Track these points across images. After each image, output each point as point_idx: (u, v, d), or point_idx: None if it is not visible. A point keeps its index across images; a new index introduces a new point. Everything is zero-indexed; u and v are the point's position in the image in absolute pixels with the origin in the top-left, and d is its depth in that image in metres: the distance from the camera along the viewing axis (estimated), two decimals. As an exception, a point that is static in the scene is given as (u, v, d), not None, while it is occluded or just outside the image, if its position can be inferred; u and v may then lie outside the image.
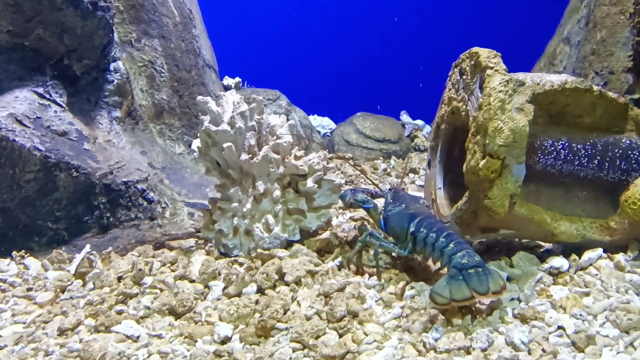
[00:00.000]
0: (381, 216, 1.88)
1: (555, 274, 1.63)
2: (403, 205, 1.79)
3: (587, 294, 1.49)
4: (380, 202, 2.01)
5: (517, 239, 1.94)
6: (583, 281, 1.56)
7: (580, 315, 1.38)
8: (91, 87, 2.44)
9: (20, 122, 1.97)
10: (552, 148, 1.70)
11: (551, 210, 1.70)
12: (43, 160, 1.96)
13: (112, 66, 2.52)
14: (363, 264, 1.77)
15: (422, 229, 1.62)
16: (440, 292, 1.40)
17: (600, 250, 1.66)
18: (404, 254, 1.69)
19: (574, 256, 1.68)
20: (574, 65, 3.18)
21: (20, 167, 1.94)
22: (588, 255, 1.66)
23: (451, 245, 1.50)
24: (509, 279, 1.62)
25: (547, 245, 1.94)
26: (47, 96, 2.16)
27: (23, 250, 1.97)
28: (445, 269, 1.50)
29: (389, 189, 1.96)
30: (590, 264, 1.65)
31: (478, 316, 1.41)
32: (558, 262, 1.64)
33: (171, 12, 3.08)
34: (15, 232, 2.02)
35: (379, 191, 2.00)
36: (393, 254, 1.80)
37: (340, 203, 2.06)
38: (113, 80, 2.52)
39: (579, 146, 1.72)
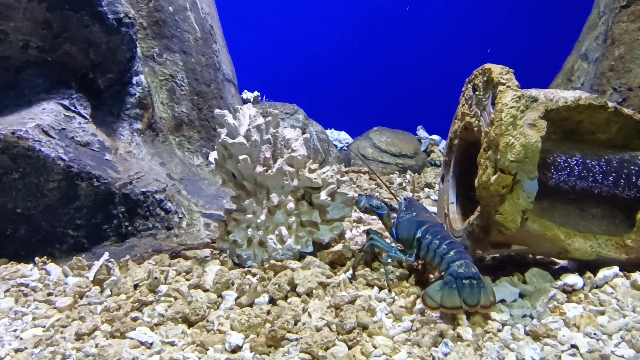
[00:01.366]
0: (393, 224, 1.92)
1: (569, 291, 1.61)
2: (414, 213, 1.85)
3: (602, 313, 1.47)
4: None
5: (530, 255, 1.93)
6: (598, 299, 1.54)
7: (595, 334, 1.36)
8: (114, 100, 2.52)
9: (46, 133, 2.05)
10: (566, 164, 1.69)
11: (565, 226, 1.69)
12: (66, 169, 2.03)
13: (134, 80, 2.60)
14: (375, 278, 1.78)
15: (427, 236, 1.67)
16: (432, 296, 1.46)
17: (616, 269, 1.64)
18: (411, 261, 1.74)
19: (588, 274, 1.66)
20: (591, 81, 3.16)
21: (44, 176, 2.01)
22: (603, 273, 1.64)
23: (451, 252, 1.54)
24: (521, 296, 1.61)
25: (562, 263, 1.93)
26: (72, 108, 2.24)
27: (45, 257, 2.03)
28: (443, 275, 1.53)
29: (404, 199, 2.01)
30: (606, 282, 1.63)
31: (489, 332, 1.41)
32: (572, 279, 1.62)
33: (192, 28, 3.17)
34: (39, 239, 2.08)
35: (396, 203, 2.05)
36: (401, 261, 1.84)
37: (354, 215, 2.09)
38: (135, 94, 2.60)
39: (593, 163, 1.71)
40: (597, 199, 1.74)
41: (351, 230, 2.46)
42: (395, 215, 1.96)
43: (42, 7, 2.12)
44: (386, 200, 2.68)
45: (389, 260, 1.74)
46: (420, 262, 1.80)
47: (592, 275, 1.64)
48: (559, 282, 1.62)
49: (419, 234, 1.71)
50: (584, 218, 1.76)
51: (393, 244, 1.90)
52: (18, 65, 2.19)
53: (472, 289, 1.43)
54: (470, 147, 1.90)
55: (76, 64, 2.31)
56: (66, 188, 2.07)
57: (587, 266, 1.72)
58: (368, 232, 1.95)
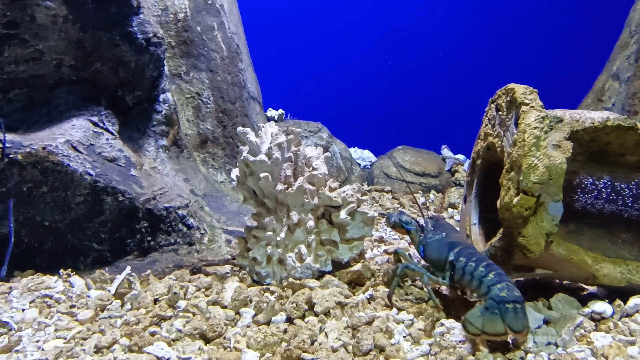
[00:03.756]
0: (421, 243, 1.88)
1: (598, 319, 1.54)
2: (443, 233, 1.79)
3: (632, 344, 1.41)
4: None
5: (556, 280, 1.86)
6: (628, 329, 1.47)
7: (624, 365, 1.30)
8: (141, 117, 2.59)
9: (75, 148, 2.11)
10: (593, 187, 1.64)
11: (594, 251, 1.63)
12: (92, 184, 2.09)
13: (161, 97, 2.67)
14: (395, 299, 1.75)
15: (461, 258, 1.60)
16: (472, 322, 1.37)
17: (647, 296, 1.56)
18: (446, 284, 1.66)
19: (618, 301, 1.59)
20: (623, 101, 3.08)
21: (71, 190, 2.07)
22: (634, 301, 1.57)
23: (491, 275, 1.46)
24: (546, 322, 1.55)
25: (591, 289, 1.85)
26: (101, 124, 2.31)
27: (70, 269, 2.07)
28: (482, 299, 1.45)
29: (430, 217, 1.95)
30: (637, 311, 1.55)
31: (511, 359, 1.36)
32: (601, 306, 1.56)
33: (219, 47, 3.24)
34: (64, 252, 2.13)
35: (421, 221, 2.01)
36: (436, 285, 1.77)
37: (375, 236, 2.07)
38: (162, 111, 2.67)
39: (622, 185, 1.65)
40: (627, 223, 1.68)
41: (372, 249, 2.43)
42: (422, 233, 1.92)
43: (76, 27, 2.21)
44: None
45: (427, 281, 1.67)
46: (452, 285, 1.71)
47: (622, 303, 1.57)
48: (587, 309, 1.56)
49: (451, 257, 1.64)
50: (613, 243, 1.69)
51: (421, 264, 1.85)
52: (52, 83, 2.28)
53: (516, 313, 1.33)
54: (493, 168, 1.87)
55: (106, 82, 2.39)
56: (92, 202, 2.12)
57: (617, 293, 1.65)
58: (396, 252, 1.92)
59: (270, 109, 4.49)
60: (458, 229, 2.07)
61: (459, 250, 1.64)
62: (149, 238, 2.27)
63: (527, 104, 1.53)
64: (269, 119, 4.34)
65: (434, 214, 2.00)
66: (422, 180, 4.41)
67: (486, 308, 1.38)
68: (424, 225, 1.90)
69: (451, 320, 1.58)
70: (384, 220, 2.04)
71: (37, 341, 1.59)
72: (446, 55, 6.74)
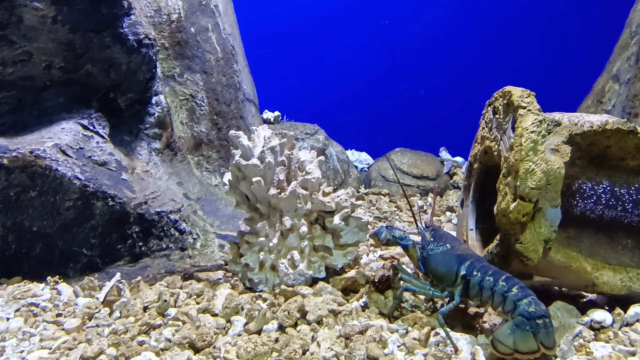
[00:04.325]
0: (421, 256, 1.74)
1: (597, 328, 1.51)
2: (447, 245, 1.66)
3: (633, 354, 1.37)
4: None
5: (555, 287, 1.82)
6: (629, 339, 1.43)
7: (624, 377, 1.26)
8: (133, 120, 2.55)
9: (63, 152, 2.07)
10: (592, 192, 1.60)
11: (593, 257, 1.59)
12: (82, 189, 2.04)
13: (154, 100, 2.62)
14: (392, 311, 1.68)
15: (475, 272, 1.49)
16: (503, 341, 1.31)
17: (648, 305, 1.52)
18: (456, 303, 1.53)
19: (618, 310, 1.55)
20: (623, 103, 3.04)
21: (60, 195, 2.03)
22: (634, 309, 1.53)
23: (514, 289, 1.38)
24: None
25: (590, 296, 1.81)
26: (91, 128, 2.27)
27: (57, 276, 2.03)
28: (507, 315, 1.38)
29: (426, 227, 1.82)
30: (637, 320, 1.52)
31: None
32: (600, 315, 1.52)
33: (214, 49, 3.20)
34: (53, 258, 2.09)
35: (416, 229, 1.89)
36: (438, 300, 1.69)
37: (371, 241, 1.98)
38: (154, 113, 2.63)
39: (622, 191, 1.61)
40: (628, 229, 1.64)
41: (367, 255, 2.39)
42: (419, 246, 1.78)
43: (66, 29, 2.17)
44: (406, 225, 2.58)
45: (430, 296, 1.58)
46: (469, 302, 1.63)
47: (622, 312, 1.53)
48: (586, 318, 1.52)
49: (463, 271, 1.53)
50: (614, 249, 1.65)
51: (421, 279, 1.73)
52: (41, 85, 2.23)
53: (547, 329, 1.28)
54: (490, 172, 1.83)
55: (97, 84, 2.35)
56: (82, 207, 2.08)
57: (617, 301, 1.61)
58: (395, 267, 1.81)
59: (266, 110, 4.44)
60: (455, 233, 2.02)
61: (470, 264, 1.53)
62: (140, 243, 2.23)
63: (524, 107, 1.49)
64: (265, 121, 4.30)
65: (430, 223, 1.89)
66: (420, 183, 4.36)
67: (516, 325, 1.31)
68: (421, 235, 1.78)
69: (448, 329, 1.53)
70: (379, 225, 1.90)
71: (22, 352, 1.54)
72: (444, 56, 6.70)
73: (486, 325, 1.62)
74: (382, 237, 1.79)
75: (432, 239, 1.72)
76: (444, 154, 4.99)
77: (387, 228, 1.82)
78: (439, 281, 1.63)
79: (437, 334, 1.51)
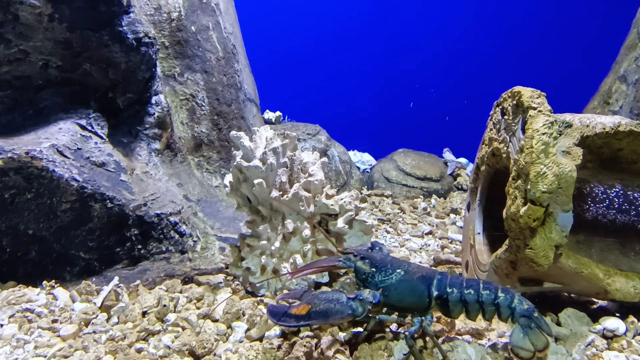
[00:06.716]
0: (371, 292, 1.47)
1: (610, 337, 1.46)
2: (398, 269, 1.48)
3: (647, 363, 1.32)
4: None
5: (565, 293, 1.77)
6: (642, 347, 1.38)
7: (639, 388, 1.21)
8: (132, 120, 2.50)
9: (61, 153, 2.02)
10: (604, 196, 1.55)
11: (604, 263, 1.54)
12: (79, 190, 2.00)
13: (153, 99, 2.58)
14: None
15: (450, 289, 1.41)
16: (522, 346, 1.34)
17: (662, 313, 1.48)
18: (427, 328, 1.43)
19: (632, 317, 1.50)
20: (631, 104, 2.99)
21: (57, 197, 1.98)
22: (648, 317, 1.48)
23: (500, 294, 1.40)
24: (555, 339, 1.46)
25: (601, 302, 1.76)
26: (89, 128, 2.22)
27: (54, 280, 1.98)
28: (509, 321, 1.41)
29: (354, 255, 1.57)
30: (651, 328, 1.47)
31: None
32: (613, 323, 1.47)
33: (215, 48, 3.15)
34: (50, 261, 2.04)
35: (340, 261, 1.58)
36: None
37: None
38: (154, 113, 2.58)
39: (635, 194, 1.56)
40: (640, 234, 1.59)
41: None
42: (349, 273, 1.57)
43: (63, 27, 2.12)
44: (409, 227, 2.52)
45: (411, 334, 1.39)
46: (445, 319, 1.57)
47: (635, 320, 1.49)
48: (598, 326, 1.47)
49: (435, 292, 1.42)
50: (626, 255, 1.60)
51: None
52: (37, 84, 2.19)
53: (541, 319, 1.36)
54: (498, 174, 1.78)
55: (95, 83, 2.30)
56: (79, 209, 2.03)
57: (630, 308, 1.56)
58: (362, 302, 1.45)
59: (267, 111, 4.39)
60: (460, 236, 1.97)
61: (438, 281, 1.44)
62: (140, 246, 2.18)
63: (534, 108, 1.44)
64: (266, 121, 4.25)
65: (351, 249, 1.62)
66: (424, 184, 4.31)
67: (525, 327, 1.35)
68: (356, 271, 1.54)
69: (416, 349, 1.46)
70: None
71: (15, 359, 1.50)
72: (449, 55, 6.65)
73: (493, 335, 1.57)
74: (358, 313, 1.43)
75: (373, 269, 1.51)
76: (448, 154, 4.94)
77: (356, 299, 1.45)
78: (407, 310, 1.47)
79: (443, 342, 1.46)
